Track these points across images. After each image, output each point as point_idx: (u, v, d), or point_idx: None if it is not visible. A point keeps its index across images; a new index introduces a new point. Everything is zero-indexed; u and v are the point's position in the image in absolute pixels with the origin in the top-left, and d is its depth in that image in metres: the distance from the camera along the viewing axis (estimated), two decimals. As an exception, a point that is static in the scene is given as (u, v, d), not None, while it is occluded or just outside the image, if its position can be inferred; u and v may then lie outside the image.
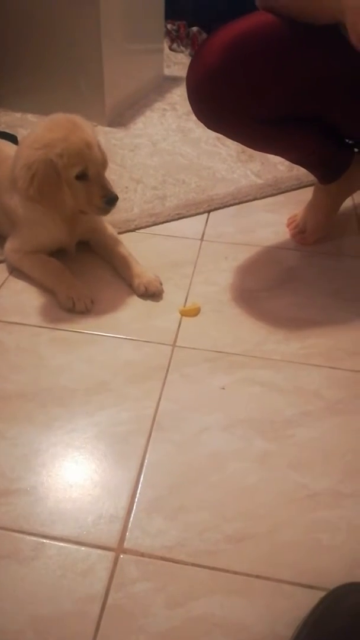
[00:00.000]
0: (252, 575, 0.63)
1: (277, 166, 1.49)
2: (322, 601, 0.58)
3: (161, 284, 1.05)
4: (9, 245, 1.08)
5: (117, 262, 1.09)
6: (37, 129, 0.99)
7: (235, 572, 0.63)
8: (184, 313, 1.00)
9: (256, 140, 1.02)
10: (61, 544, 0.65)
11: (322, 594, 0.60)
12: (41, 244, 1.06)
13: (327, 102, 0.96)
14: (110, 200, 0.99)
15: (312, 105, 0.96)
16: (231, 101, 0.91)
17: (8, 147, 1.16)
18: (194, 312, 1.00)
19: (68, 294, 0.99)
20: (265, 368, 0.89)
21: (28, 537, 0.66)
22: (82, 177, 0.97)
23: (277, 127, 0.97)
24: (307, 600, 0.60)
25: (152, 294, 1.03)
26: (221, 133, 1.01)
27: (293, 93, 0.92)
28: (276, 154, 1.13)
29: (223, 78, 0.89)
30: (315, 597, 0.59)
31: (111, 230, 1.15)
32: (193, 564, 0.64)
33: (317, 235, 1.18)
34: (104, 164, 1.02)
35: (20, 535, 0.66)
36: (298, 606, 0.61)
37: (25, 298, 1.03)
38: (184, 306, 1.01)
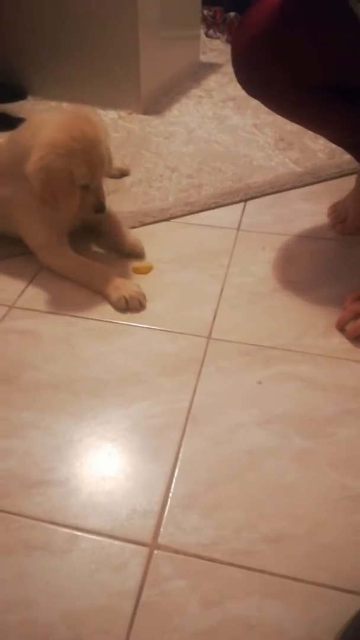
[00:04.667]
0: (290, 578, 0.61)
1: (317, 154, 1.44)
2: (365, 609, 0.56)
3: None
4: (32, 243, 1.05)
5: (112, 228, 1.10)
6: (57, 125, 0.95)
7: (273, 574, 0.61)
8: (137, 270, 1.03)
9: (300, 109, 0.98)
10: (95, 537, 0.64)
11: (364, 600, 0.57)
12: (55, 225, 1.03)
13: None
14: (98, 209, 1.02)
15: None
16: (281, 63, 0.88)
17: None
18: (147, 270, 1.04)
19: (119, 294, 0.96)
20: (304, 363, 0.86)
21: (61, 529, 0.65)
22: (84, 187, 0.98)
23: (324, 99, 0.93)
24: (348, 606, 0.58)
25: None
26: (265, 99, 0.98)
27: (344, 57, 0.87)
28: (317, 129, 1.07)
29: (274, 39, 0.86)
30: (357, 603, 0.57)
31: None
32: (229, 564, 0.62)
33: (358, 224, 1.14)
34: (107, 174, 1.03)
35: (54, 527, 0.65)
36: (338, 611, 0.58)
37: (59, 287, 1.02)
38: (139, 268, 1.04)
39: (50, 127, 0.95)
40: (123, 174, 1.37)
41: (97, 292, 0.99)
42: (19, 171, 0.96)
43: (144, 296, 0.98)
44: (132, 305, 0.96)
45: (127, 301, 0.96)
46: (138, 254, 1.08)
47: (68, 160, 0.93)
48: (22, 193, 0.99)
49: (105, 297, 0.98)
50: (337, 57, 0.87)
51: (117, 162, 1.38)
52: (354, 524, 0.66)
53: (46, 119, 0.98)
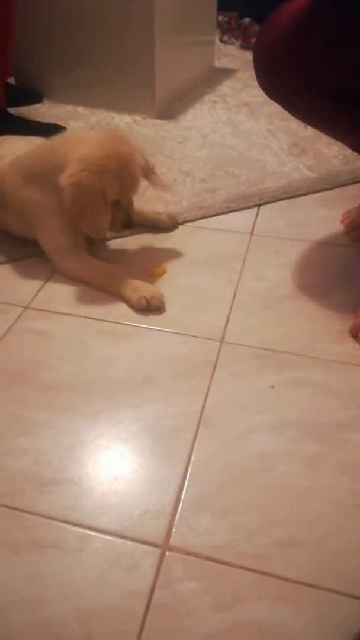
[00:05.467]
0: (302, 583, 0.61)
1: (331, 160, 1.44)
2: (378, 616, 0.55)
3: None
4: (48, 246, 1.06)
5: None
6: (94, 142, 0.98)
7: (285, 579, 0.61)
8: (151, 273, 1.05)
9: (318, 114, 0.97)
10: (107, 537, 0.65)
11: (377, 607, 0.57)
12: (72, 230, 1.04)
13: None
14: (127, 225, 1.06)
15: None
16: (302, 67, 0.88)
17: (7, 144, 1.15)
18: (161, 272, 1.06)
19: (139, 294, 0.97)
20: (317, 368, 0.86)
21: (74, 528, 0.65)
22: (116, 203, 1.01)
23: (343, 104, 0.93)
24: (361, 613, 0.57)
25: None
26: (284, 103, 0.98)
27: None
28: (335, 134, 1.07)
29: (295, 43, 0.86)
30: (370, 610, 0.57)
31: None
32: (241, 567, 0.62)
33: (372, 231, 1.14)
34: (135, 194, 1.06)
35: (66, 526, 0.66)
36: (350, 618, 0.58)
37: (73, 289, 1.03)
38: (153, 270, 1.06)
39: (87, 144, 0.98)
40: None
41: (115, 294, 1.00)
42: (49, 179, 0.99)
43: (163, 296, 0.98)
44: (153, 304, 0.96)
45: (147, 301, 0.96)
46: (175, 224, 1.18)
47: (101, 178, 0.95)
48: (47, 198, 1.01)
49: (124, 299, 0.99)
50: (358, 63, 0.87)
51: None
52: (366, 530, 0.65)
53: (84, 135, 1.03)
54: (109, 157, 0.96)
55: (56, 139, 1.06)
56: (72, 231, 1.04)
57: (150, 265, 1.08)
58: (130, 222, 1.05)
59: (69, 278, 1.04)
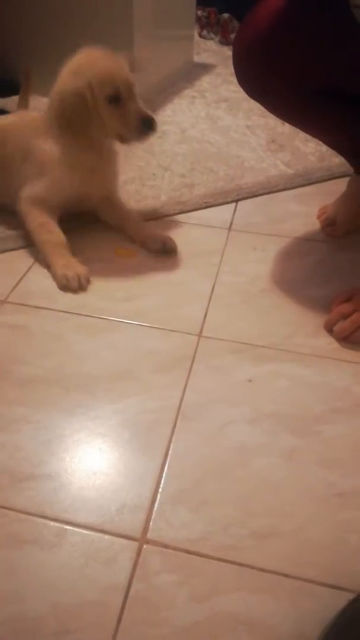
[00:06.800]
0: (278, 573, 0.62)
1: (308, 157, 1.45)
2: (351, 604, 0.56)
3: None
4: (28, 191, 1.04)
5: (130, 224, 1.11)
6: (72, 59, 1.01)
7: (261, 569, 0.62)
8: (119, 253, 1.07)
9: (296, 113, 0.99)
10: (84, 531, 0.65)
11: (350, 595, 0.58)
12: (62, 190, 1.04)
13: None
14: (146, 121, 0.99)
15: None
16: (280, 67, 0.88)
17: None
18: (126, 254, 1.07)
19: (64, 271, 0.98)
20: (294, 362, 0.87)
21: (51, 523, 0.65)
22: (114, 100, 0.98)
23: (321, 104, 0.94)
24: (335, 602, 0.58)
25: (170, 250, 1.05)
26: (263, 102, 0.99)
27: (344, 64, 0.88)
28: (314, 132, 1.09)
29: (274, 43, 0.86)
30: (344, 598, 0.57)
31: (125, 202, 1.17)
32: (218, 559, 0.62)
33: (347, 227, 1.15)
34: (134, 86, 1.02)
35: (44, 521, 0.65)
36: (325, 607, 0.59)
37: (51, 283, 1.01)
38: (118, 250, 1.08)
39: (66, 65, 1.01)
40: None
41: (46, 263, 1.01)
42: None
43: (88, 280, 0.99)
44: (71, 284, 0.97)
45: (67, 279, 0.97)
46: (170, 251, 1.06)
47: (76, 81, 0.96)
48: (60, 153, 1.02)
49: (50, 269, 1.00)
50: (336, 63, 0.88)
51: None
52: (341, 520, 0.67)
53: None
54: (81, 58, 0.99)
55: None
56: (60, 197, 1.04)
57: (118, 246, 1.09)
58: (150, 121, 0.99)
59: (23, 224, 1.05)
